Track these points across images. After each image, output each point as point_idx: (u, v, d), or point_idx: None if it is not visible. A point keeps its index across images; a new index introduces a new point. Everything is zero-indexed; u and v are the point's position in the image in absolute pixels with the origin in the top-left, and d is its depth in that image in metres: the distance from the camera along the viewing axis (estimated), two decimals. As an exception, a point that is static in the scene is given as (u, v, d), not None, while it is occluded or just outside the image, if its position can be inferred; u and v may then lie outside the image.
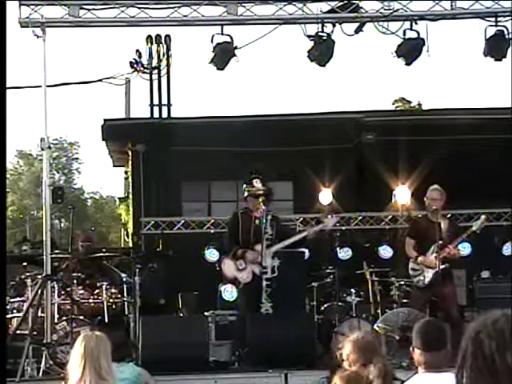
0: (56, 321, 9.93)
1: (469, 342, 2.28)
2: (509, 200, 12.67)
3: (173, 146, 15.52)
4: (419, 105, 37.06)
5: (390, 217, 15.28)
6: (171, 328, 9.67)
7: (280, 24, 10.36)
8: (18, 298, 10.57)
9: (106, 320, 10.34)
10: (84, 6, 10.09)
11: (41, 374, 9.09)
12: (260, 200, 10.06)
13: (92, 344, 5.39)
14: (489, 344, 2.24)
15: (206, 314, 10.85)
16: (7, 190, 40.44)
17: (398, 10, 10.37)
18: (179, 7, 10.28)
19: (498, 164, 14.20)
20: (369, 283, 11.61)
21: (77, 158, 53.24)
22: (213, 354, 9.82)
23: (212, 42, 10.21)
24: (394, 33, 10.45)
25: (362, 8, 10.44)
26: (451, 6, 10.52)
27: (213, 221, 15.38)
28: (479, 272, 12.93)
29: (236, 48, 10.17)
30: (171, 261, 13.51)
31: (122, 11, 10.20)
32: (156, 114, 16.95)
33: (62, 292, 10.31)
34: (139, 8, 10.22)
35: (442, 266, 9.83)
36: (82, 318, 10.00)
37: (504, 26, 10.46)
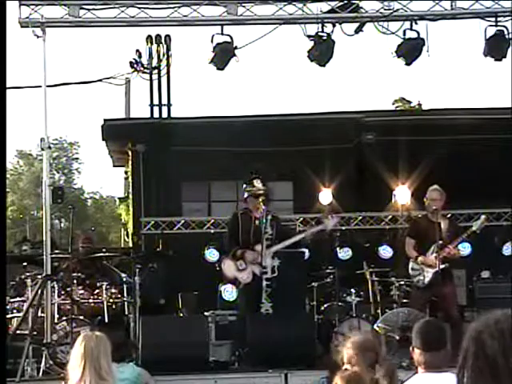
0: (56, 321, 9.93)
1: (470, 342, 2.28)
2: (509, 200, 12.66)
3: (173, 145, 15.52)
4: (419, 105, 37.07)
5: (390, 217, 15.28)
6: (171, 328, 9.67)
7: (280, 24, 10.36)
8: (18, 298, 10.57)
9: (106, 320, 10.34)
10: (84, 6, 10.09)
11: (41, 373, 9.09)
12: (260, 200, 10.06)
13: (92, 344, 5.39)
14: (491, 344, 2.23)
15: (206, 313, 10.86)
16: (7, 189, 40.45)
17: (398, 9, 10.37)
18: (179, 7, 10.28)
19: (498, 164, 14.19)
20: (369, 283, 11.61)
21: (77, 158, 53.28)
22: (213, 354, 9.82)
23: (212, 42, 10.21)
24: (394, 33, 10.46)
25: (362, 8, 10.44)
26: (451, 5, 10.52)
27: (213, 221, 15.38)
28: (479, 272, 12.93)
29: (236, 48, 10.17)
30: (171, 261, 13.51)
31: (122, 11, 10.20)
32: (156, 114, 16.96)
33: (62, 292, 10.31)
34: (139, 8, 10.22)
35: (441, 266, 9.83)
36: (82, 317, 10.00)
37: (504, 26, 10.46)
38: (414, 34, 10.42)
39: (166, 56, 13.20)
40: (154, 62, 12.54)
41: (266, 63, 68.72)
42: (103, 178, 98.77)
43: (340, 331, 10.58)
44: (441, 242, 9.89)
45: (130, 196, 17.57)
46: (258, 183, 10.17)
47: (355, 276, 11.89)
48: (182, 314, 12.14)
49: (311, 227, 11.09)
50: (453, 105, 43.82)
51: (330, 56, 10.29)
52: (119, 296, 10.98)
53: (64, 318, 10.05)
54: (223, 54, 10.18)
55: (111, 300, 10.81)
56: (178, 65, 21.29)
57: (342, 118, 16.26)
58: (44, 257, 9.65)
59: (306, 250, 12.21)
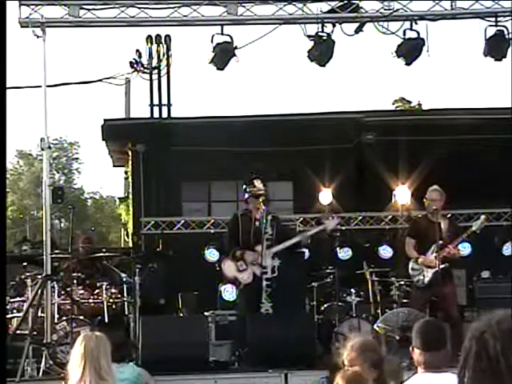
0: (56, 321, 9.93)
1: (473, 342, 2.27)
2: (509, 200, 12.67)
3: (173, 145, 15.52)
4: (419, 105, 37.08)
5: (390, 217, 15.28)
6: (171, 328, 9.67)
7: (280, 24, 10.36)
8: (18, 298, 10.57)
9: (106, 320, 10.34)
10: (84, 6, 10.09)
11: (41, 373, 9.09)
12: (260, 200, 10.06)
13: (92, 344, 5.39)
14: (493, 345, 2.23)
15: (206, 313, 10.86)
16: (7, 189, 40.44)
17: (398, 9, 10.37)
18: (179, 7, 10.27)
19: (498, 164, 14.19)
20: (369, 283, 11.61)
21: (77, 158, 53.27)
22: (213, 354, 9.83)
23: (212, 42, 10.21)
24: (394, 33, 10.45)
25: (362, 8, 10.43)
26: (451, 5, 10.52)
27: (213, 221, 15.37)
28: (479, 272, 12.93)
29: (236, 48, 10.17)
30: (171, 261, 13.51)
31: (122, 11, 10.20)
32: (156, 114, 16.96)
33: (62, 292, 10.31)
34: (139, 8, 10.22)
35: (441, 266, 9.83)
36: (82, 317, 10.00)
37: (504, 26, 10.45)
38: (414, 34, 10.42)
39: (166, 56, 13.19)
40: (154, 62, 12.54)
41: (266, 63, 68.76)
42: (103, 177, 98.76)
43: (340, 331, 10.58)
44: (441, 242, 9.89)
45: (130, 196, 17.57)
46: (258, 183, 10.17)
47: (355, 276, 11.89)
48: (181, 314, 12.14)
49: (312, 227, 11.08)
50: (453, 105, 43.85)
51: (330, 56, 10.29)
52: (119, 296, 10.98)
53: (64, 318, 10.05)
54: (223, 54, 10.17)
55: (111, 300, 10.81)
56: (178, 65, 21.31)
57: (342, 118, 16.25)
58: (44, 257, 9.66)
59: (306, 250, 12.23)
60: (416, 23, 10.41)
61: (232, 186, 15.81)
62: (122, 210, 26.93)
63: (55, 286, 10.09)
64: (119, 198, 29.85)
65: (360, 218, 15.45)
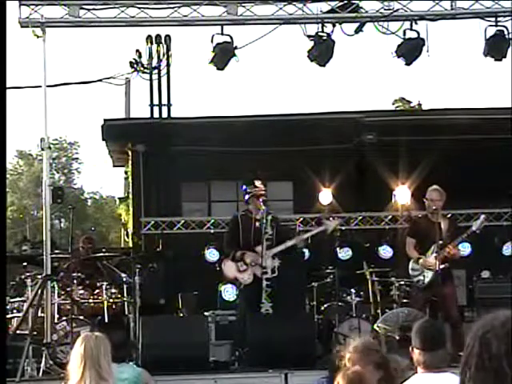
0: (56, 321, 9.94)
1: (475, 342, 2.27)
2: (509, 200, 12.67)
3: (173, 145, 15.53)
4: (419, 105, 37.11)
5: (390, 217, 15.29)
6: (171, 328, 9.66)
7: (280, 24, 10.36)
8: (18, 298, 10.58)
9: (106, 320, 10.34)
10: (84, 6, 10.09)
11: (41, 373, 9.09)
12: (261, 200, 10.06)
13: (92, 344, 5.39)
14: (496, 345, 2.23)
15: (205, 313, 10.87)
16: (7, 189, 40.45)
17: (398, 9, 10.37)
18: (179, 7, 10.27)
19: (498, 164, 14.19)
20: (369, 283, 11.62)
21: (77, 158, 53.25)
22: (213, 354, 9.83)
23: (212, 42, 10.21)
24: (394, 33, 10.45)
25: (362, 8, 10.43)
26: (451, 5, 10.52)
27: (213, 221, 15.38)
28: (479, 272, 12.94)
29: (236, 48, 10.17)
30: (171, 261, 13.52)
31: (122, 11, 10.20)
32: (156, 114, 16.95)
33: (62, 292, 10.31)
34: (139, 8, 10.22)
35: (441, 266, 9.82)
36: (82, 317, 10.01)
37: (504, 26, 10.45)
38: (414, 34, 10.42)
39: (166, 56, 13.17)
40: (154, 62, 12.52)
41: (266, 63, 68.71)
42: (103, 177, 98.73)
43: (340, 331, 10.59)
44: (441, 242, 9.88)
45: (130, 196, 17.56)
46: (258, 183, 10.17)
47: (355, 276, 11.90)
48: (182, 314, 12.14)
49: (313, 228, 11.08)
50: (453, 105, 43.81)
51: (330, 56, 10.29)
52: (119, 296, 10.99)
53: (64, 318, 10.06)
54: (223, 54, 10.18)
55: (111, 300, 10.81)
56: (178, 65, 21.29)
57: (342, 118, 16.25)
58: (44, 257, 9.66)
59: (306, 250, 12.24)
60: (416, 23, 10.41)
61: (232, 186, 15.81)
62: (121, 209, 26.88)
63: (55, 285, 10.09)
64: (119, 198, 29.81)
65: (360, 217, 15.45)
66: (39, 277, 9.78)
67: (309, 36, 10.31)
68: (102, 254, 11.85)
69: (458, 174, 13.87)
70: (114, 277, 11.46)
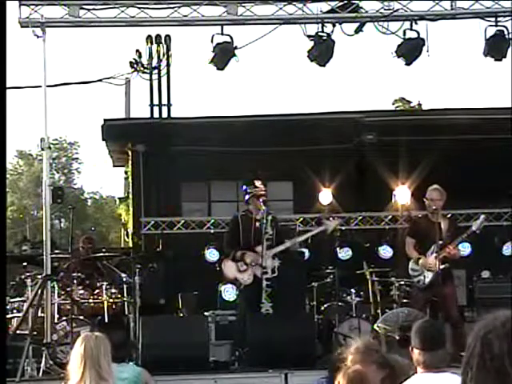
0: (56, 321, 9.94)
1: (477, 342, 2.27)
2: (509, 200, 12.67)
3: (173, 145, 15.53)
4: (419, 105, 37.11)
5: (390, 217, 15.29)
6: (171, 328, 9.67)
7: (280, 24, 10.36)
8: (18, 298, 10.58)
9: (106, 320, 10.34)
10: (84, 6, 10.09)
11: (41, 374, 9.09)
12: (261, 200, 10.06)
13: (92, 345, 5.39)
14: (498, 345, 2.23)
15: (205, 313, 10.86)
16: (7, 189, 40.45)
17: (398, 9, 10.37)
18: (179, 7, 10.27)
19: (498, 164, 14.19)
20: (369, 283, 11.62)
21: (77, 158, 53.24)
22: (213, 354, 9.83)
23: (212, 42, 10.21)
24: (394, 33, 10.45)
25: (362, 8, 10.43)
26: (451, 5, 10.52)
27: (213, 221, 15.38)
28: (479, 272, 12.94)
29: (236, 48, 10.17)
30: (171, 261, 13.52)
31: (122, 11, 10.20)
32: (156, 114, 16.95)
33: (62, 292, 10.31)
34: (139, 8, 10.22)
35: (441, 266, 9.82)
36: (82, 317, 10.01)
37: (504, 26, 10.45)
38: (414, 34, 10.42)
39: (165, 56, 13.18)
40: (154, 62, 12.53)
41: (266, 63, 68.69)
42: (103, 177, 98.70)
43: (340, 331, 10.59)
44: (441, 242, 9.88)
45: (130, 196, 17.56)
46: (259, 184, 10.17)
47: (355, 276, 11.90)
48: (182, 314, 12.14)
49: (313, 228, 11.09)
50: (453, 105, 43.81)
51: (330, 56, 10.29)
52: (119, 296, 10.99)
53: (64, 318, 10.06)
54: (223, 54, 10.18)
55: (111, 300, 10.81)
56: (178, 65, 21.31)
57: (342, 118, 16.25)
58: (44, 257, 9.66)
59: (306, 250, 12.23)
60: (416, 23, 10.41)
61: (232, 186, 15.81)
62: (121, 209, 26.89)
63: (55, 285, 10.09)
64: (119, 198, 29.82)
65: (360, 217, 15.45)
66: (39, 277, 9.78)
67: (309, 36, 10.31)
68: (102, 254, 11.86)
69: (458, 174, 13.86)
70: (114, 277, 11.46)
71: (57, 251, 11.43)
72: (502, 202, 13.80)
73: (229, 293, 11.48)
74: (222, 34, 10.20)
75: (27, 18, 9.87)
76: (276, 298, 9.98)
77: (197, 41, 11.62)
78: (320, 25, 10.29)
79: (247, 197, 10.22)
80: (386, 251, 13.48)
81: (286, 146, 15.26)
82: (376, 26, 10.42)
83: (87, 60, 66.11)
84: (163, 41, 13.70)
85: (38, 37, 9.78)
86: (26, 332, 9.20)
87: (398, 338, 9.72)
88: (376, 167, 14.67)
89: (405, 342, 8.97)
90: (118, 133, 16.22)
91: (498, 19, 10.46)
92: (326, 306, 11.44)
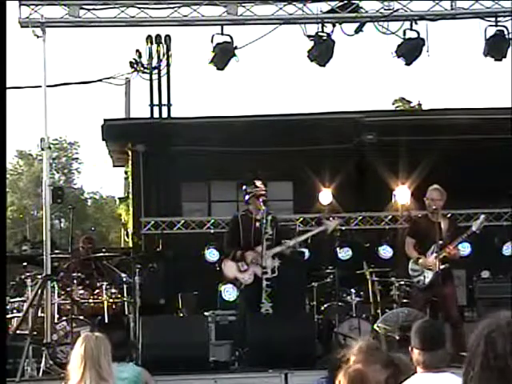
0: (56, 321, 9.93)
1: (481, 341, 2.28)
2: (509, 200, 12.67)
3: (173, 145, 15.53)
4: (419, 105, 37.11)
5: (390, 217, 15.29)
6: (171, 328, 9.67)
7: (280, 24, 10.36)
8: (18, 298, 10.58)
9: (106, 320, 10.34)
10: (84, 6, 10.09)
11: (41, 373, 9.09)
12: (261, 200, 10.06)
13: (92, 345, 5.39)
14: (502, 344, 2.23)
15: (205, 313, 10.86)
16: (7, 189, 40.45)
17: (398, 9, 10.37)
18: (179, 7, 10.28)
19: (498, 164, 14.19)
20: (369, 283, 11.62)
21: (77, 158, 53.24)
22: (213, 354, 9.83)
23: (212, 42, 10.21)
24: (394, 33, 10.45)
25: (362, 8, 10.43)
26: (451, 5, 10.52)
27: (213, 221, 15.38)
28: (479, 272, 12.94)
29: (236, 48, 10.17)
30: (171, 261, 13.52)
31: (122, 11, 10.20)
32: (156, 114, 16.95)
33: (62, 292, 10.31)
34: (139, 8, 10.22)
35: (441, 266, 9.82)
36: (82, 317, 10.01)
37: (504, 26, 10.46)
38: (414, 34, 10.42)
39: (165, 56, 13.17)
40: (154, 62, 12.53)
41: (266, 63, 68.68)
42: (103, 177, 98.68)
43: (340, 331, 10.59)
44: (441, 241, 9.88)
45: (130, 196, 17.56)
46: (259, 184, 10.17)
47: (355, 276, 11.90)
48: (182, 314, 12.14)
49: (313, 228, 11.09)
50: (453, 105, 43.79)
51: (330, 56, 10.29)
52: (119, 296, 10.99)
53: (64, 318, 10.06)
54: (223, 54, 10.18)
55: (111, 300, 10.81)
56: (178, 65, 21.29)
57: (342, 118, 16.25)
58: (44, 257, 9.66)
59: (306, 250, 12.23)
60: (416, 23, 10.41)
61: (232, 186, 15.81)
62: (121, 209, 26.89)
63: (55, 285, 10.09)
64: (119, 198, 29.82)
65: (360, 217, 15.45)
66: (39, 277, 9.78)
67: (309, 36, 10.31)
68: (102, 254, 11.85)
69: (458, 174, 13.86)
70: (114, 277, 11.46)
71: (57, 251, 11.43)
72: (502, 202, 13.80)
73: (229, 293, 11.48)
74: (222, 34, 10.20)
75: (27, 18, 9.87)
76: (276, 298, 9.99)
77: (197, 41, 11.64)
78: (320, 25, 10.29)
79: (247, 197, 10.22)
80: (385, 251, 13.47)
81: (286, 146, 15.26)
82: (376, 26, 10.42)
83: (87, 60, 66.14)
84: (163, 41, 13.69)
85: (38, 37, 9.79)
86: (26, 332, 9.20)
87: (397, 337, 9.72)
88: (376, 167, 14.67)
89: (405, 342, 8.98)
90: (117, 133, 16.22)
91: (498, 19, 10.46)
92: (325, 306, 11.44)
